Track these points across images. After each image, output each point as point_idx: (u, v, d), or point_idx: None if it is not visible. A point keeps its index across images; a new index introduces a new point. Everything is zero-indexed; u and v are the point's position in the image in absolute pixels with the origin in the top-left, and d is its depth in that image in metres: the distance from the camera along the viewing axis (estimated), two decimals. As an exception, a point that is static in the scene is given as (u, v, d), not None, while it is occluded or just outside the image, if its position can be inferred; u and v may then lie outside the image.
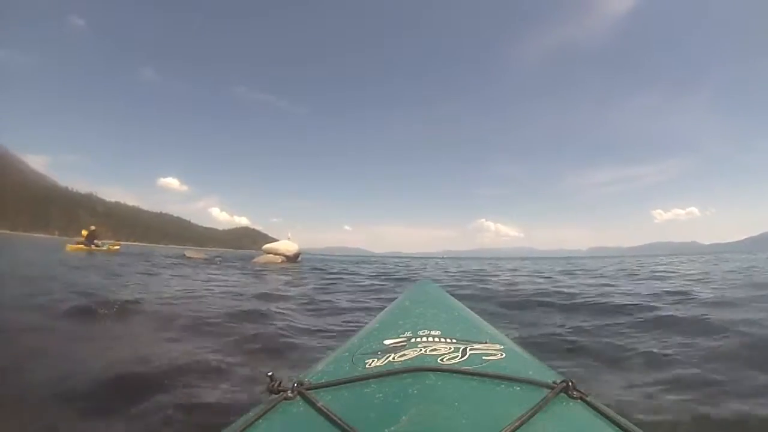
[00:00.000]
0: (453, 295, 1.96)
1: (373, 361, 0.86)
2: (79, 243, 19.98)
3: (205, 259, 19.66)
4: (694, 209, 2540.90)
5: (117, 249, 22.68)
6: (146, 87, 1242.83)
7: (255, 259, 19.63)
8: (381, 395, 0.67)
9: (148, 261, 14.07)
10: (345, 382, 0.75)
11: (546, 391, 0.67)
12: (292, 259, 19.19)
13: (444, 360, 0.80)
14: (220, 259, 21.03)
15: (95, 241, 20.33)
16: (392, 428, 0.54)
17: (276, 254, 19.01)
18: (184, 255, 21.29)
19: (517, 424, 0.55)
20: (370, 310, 4.44)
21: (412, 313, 1.30)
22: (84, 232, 20.34)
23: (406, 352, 0.87)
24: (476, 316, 1.43)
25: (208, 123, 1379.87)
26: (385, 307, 1.70)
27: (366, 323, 1.41)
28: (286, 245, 19.72)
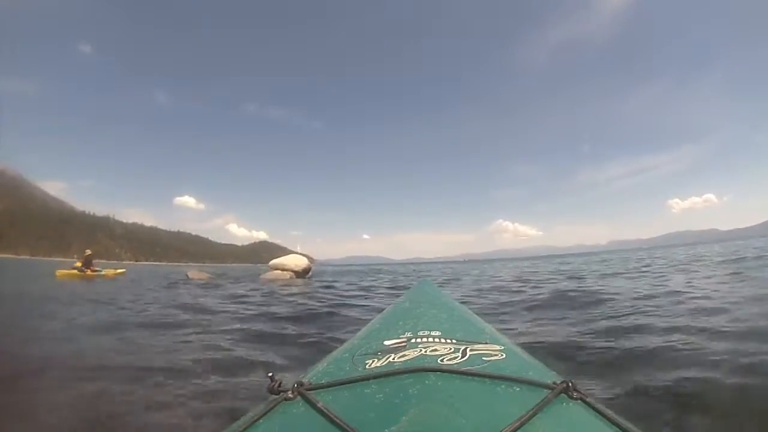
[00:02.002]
0: None
1: (373, 361, 0.86)
2: (74, 268, 18.19)
3: (208, 279, 17.88)
4: (711, 196, 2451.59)
5: (120, 273, 21.05)
6: (158, 109, 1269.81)
7: (262, 276, 17.95)
8: (381, 396, 0.68)
9: (131, 291, 12.32)
10: (345, 383, 0.75)
11: (546, 392, 0.67)
12: (301, 274, 17.47)
13: (444, 360, 0.80)
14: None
15: (92, 267, 18.56)
16: (392, 428, 0.54)
17: (283, 270, 17.30)
18: (186, 275, 19.16)
19: (517, 424, 0.54)
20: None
21: (412, 314, 1.31)
22: (87, 252, 18.63)
23: (406, 352, 0.87)
24: (476, 316, 1.41)
25: (222, 141, 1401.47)
26: (386, 307, 1.69)
27: (366, 323, 1.39)
28: (294, 259, 18.03)
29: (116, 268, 23.62)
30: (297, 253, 20.43)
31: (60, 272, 17.70)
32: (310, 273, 18.63)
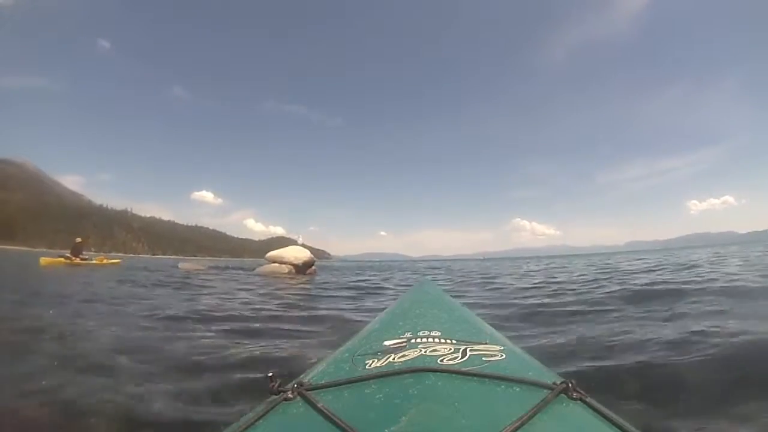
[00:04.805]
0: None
1: (373, 361, 0.86)
2: (60, 256, 17.68)
3: (203, 270, 16.79)
4: (729, 198, 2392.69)
5: (114, 263, 20.61)
6: (177, 104, 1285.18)
7: (257, 269, 15.82)
8: (381, 396, 0.68)
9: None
10: (345, 383, 0.75)
11: (546, 392, 0.66)
12: (302, 268, 15.15)
13: (444, 361, 0.80)
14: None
15: (81, 255, 17.97)
16: (392, 429, 0.55)
17: (281, 263, 15.10)
18: (177, 267, 18.73)
19: (517, 424, 0.55)
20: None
21: (412, 314, 1.30)
22: (77, 240, 18.47)
23: (406, 352, 0.87)
24: (476, 316, 1.40)
25: (241, 136, 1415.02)
26: (386, 307, 1.65)
27: (366, 324, 1.38)
28: (294, 252, 15.71)
29: (110, 258, 23.11)
30: (299, 245, 18.19)
31: (44, 260, 16.94)
32: (312, 267, 16.37)
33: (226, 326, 3.64)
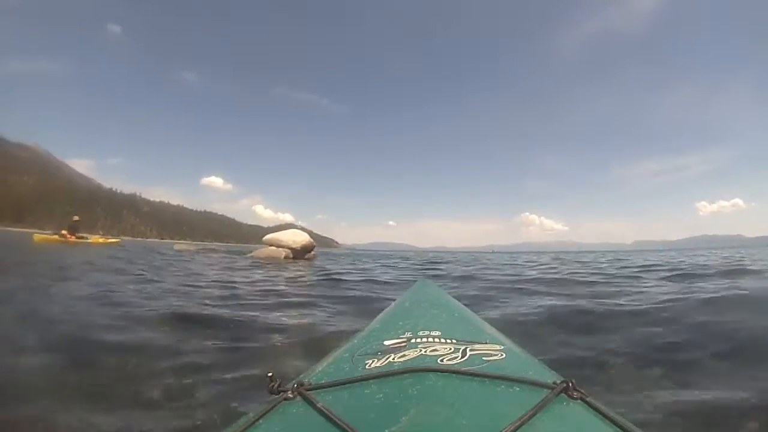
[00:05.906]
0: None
1: (373, 361, 0.86)
2: (55, 233, 17.97)
3: (194, 251, 17.15)
4: (738, 201, 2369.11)
5: (113, 243, 20.97)
6: (188, 90, 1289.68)
7: (252, 253, 14.98)
8: (381, 396, 0.68)
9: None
10: (345, 383, 0.75)
11: (546, 392, 0.66)
12: (300, 253, 14.22)
13: (444, 360, 0.80)
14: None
15: (77, 234, 18.24)
16: (392, 429, 0.55)
17: (279, 246, 14.23)
18: (174, 248, 19.58)
19: (517, 424, 0.55)
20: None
21: (412, 314, 1.27)
22: (74, 218, 18.77)
23: (406, 352, 0.87)
24: (476, 316, 1.36)
25: (251, 123, 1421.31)
26: (386, 307, 1.64)
27: (366, 324, 1.34)
28: (292, 235, 14.64)
29: (107, 238, 22.98)
30: (298, 227, 17.36)
31: (38, 236, 17.14)
32: (312, 253, 15.51)
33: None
